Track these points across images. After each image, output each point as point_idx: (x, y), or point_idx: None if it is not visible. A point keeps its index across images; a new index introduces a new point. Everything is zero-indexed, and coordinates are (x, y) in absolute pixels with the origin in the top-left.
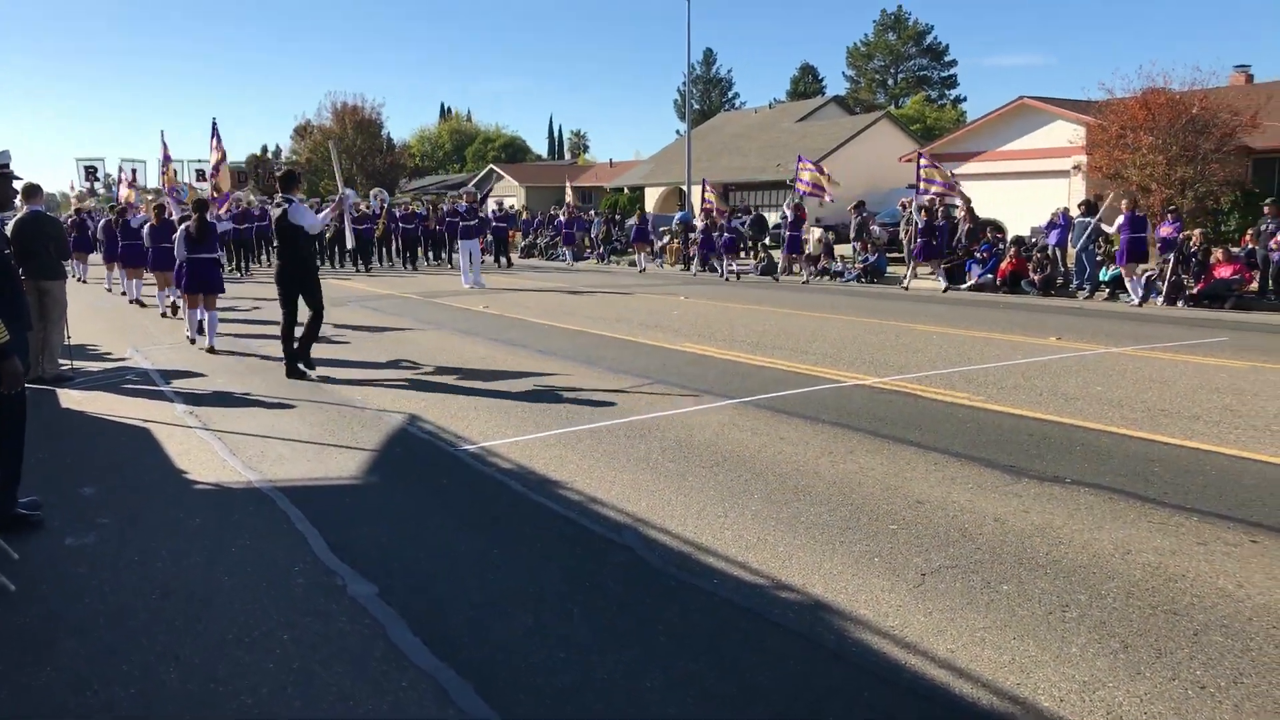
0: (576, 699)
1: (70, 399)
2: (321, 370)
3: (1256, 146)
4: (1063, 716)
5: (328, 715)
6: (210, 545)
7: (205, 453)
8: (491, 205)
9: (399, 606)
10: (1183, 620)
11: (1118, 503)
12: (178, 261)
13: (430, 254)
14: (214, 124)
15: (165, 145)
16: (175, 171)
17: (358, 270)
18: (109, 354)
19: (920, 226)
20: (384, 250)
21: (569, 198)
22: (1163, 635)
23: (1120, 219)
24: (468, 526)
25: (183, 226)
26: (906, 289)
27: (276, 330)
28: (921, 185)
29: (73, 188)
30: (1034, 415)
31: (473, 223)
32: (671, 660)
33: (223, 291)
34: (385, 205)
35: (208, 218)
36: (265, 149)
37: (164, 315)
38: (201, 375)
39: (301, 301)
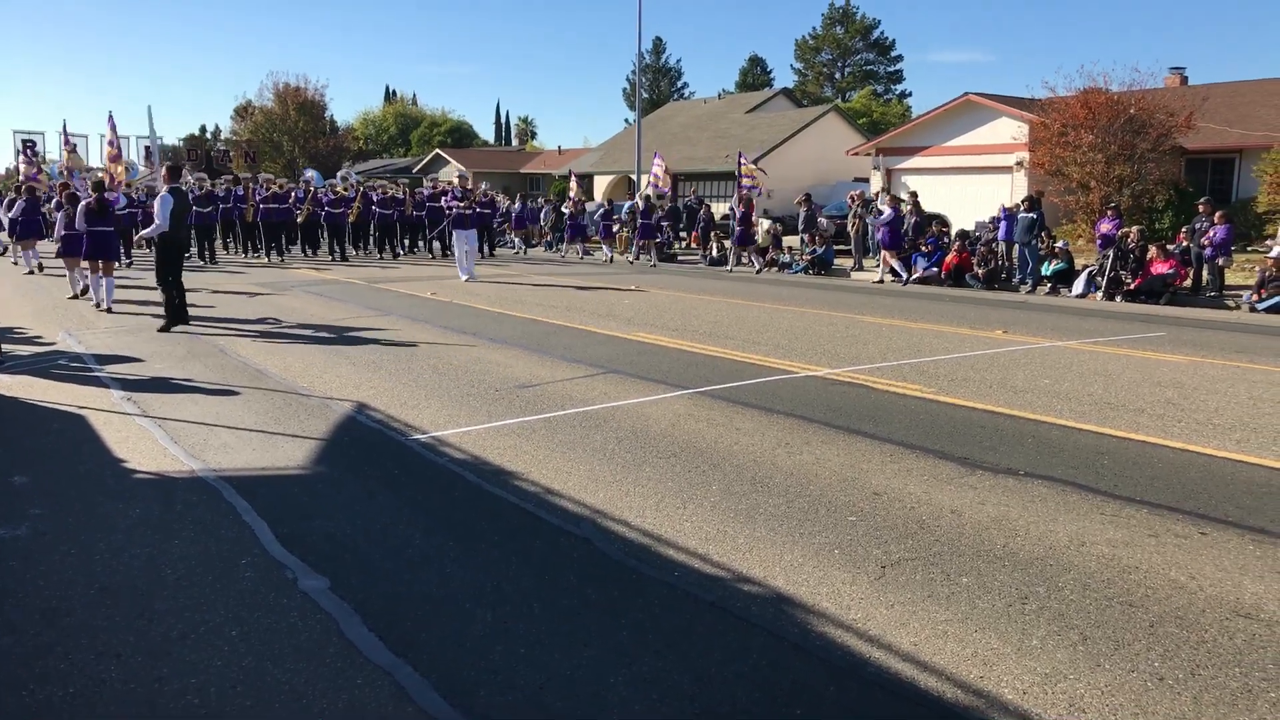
0: (539, 697)
1: None
2: (259, 357)
3: (1190, 147)
4: (1026, 709)
5: (280, 715)
6: (152, 538)
7: (145, 441)
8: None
9: (353, 601)
10: (1138, 612)
11: (1070, 495)
12: (79, 233)
13: (406, 241)
14: (110, 117)
15: (113, 127)
16: (119, 152)
17: (334, 259)
18: (39, 337)
19: (740, 215)
20: (360, 237)
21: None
22: (1120, 627)
23: (887, 212)
24: (422, 518)
25: (84, 203)
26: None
27: (212, 314)
28: (744, 181)
29: (16, 167)
30: (985, 407)
31: (469, 211)
32: (635, 656)
33: (117, 260)
34: (360, 188)
35: (106, 198)
36: (204, 129)
37: (73, 298)
38: (139, 360)
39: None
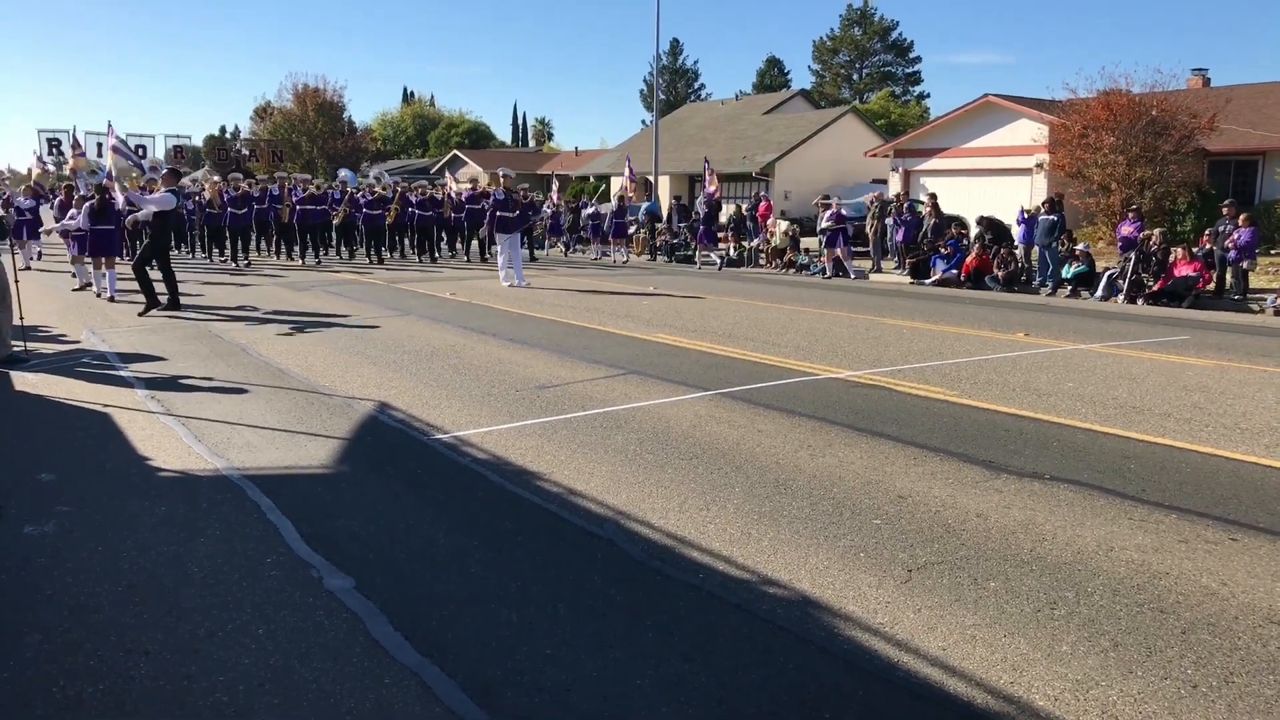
0: (566, 698)
1: (24, 382)
2: (281, 356)
3: (1212, 149)
4: (1058, 716)
5: (308, 713)
6: (178, 535)
7: (169, 439)
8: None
9: (378, 601)
10: (1170, 618)
11: (1097, 499)
12: (82, 231)
13: (444, 244)
14: (110, 127)
15: (113, 133)
16: (118, 153)
17: (371, 261)
18: (63, 336)
19: (704, 215)
20: (397, 240)
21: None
22: (1151, 633)
23: (829, 213)
24: (445, 518)
25: (87, 204)
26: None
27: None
28: (709, 186)
29: (39, 160)
30: (1009, 410)
31: (513, 214)
32: (661, 658)
33: (120, 256)
34: (398, 189)
35: (107, 199)
36: (224, 129)
37: (78, 290)
38: (162, 359)
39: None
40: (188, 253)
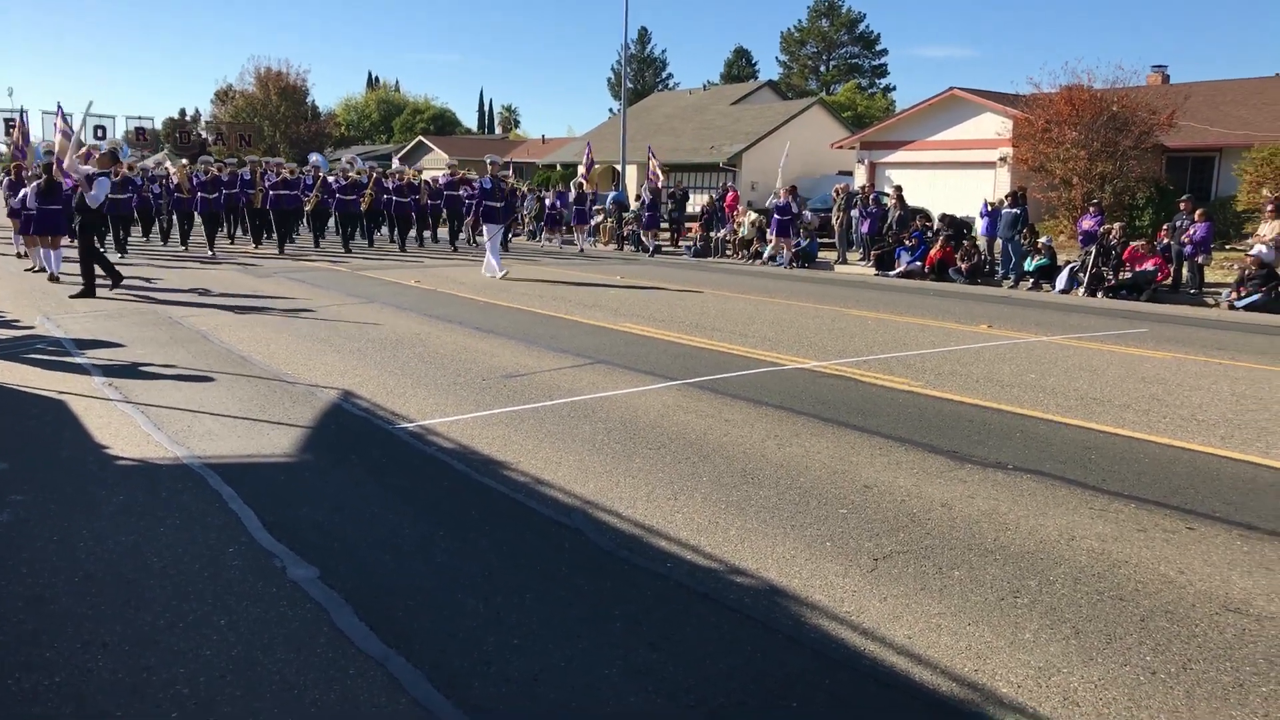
0: (533, 688)
1: None
2: (242, 343)
3: (1171, 145)
4: (1021, 702)
5: (272, 706)
6: (137, 525)
7: (127, 427)
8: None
9: (343, 591)
10: (1129, 606)
11: (1059, 489)
12: (27, 210)
13: (423, 233)
14: (59, 107)
15: (62, 115)
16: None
17: (348, 251)
18: (16, 321)
19: (648, 202)
20: (370, 227)
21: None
22: (1111, 621)
23: (778, 200)
24: (411, 508)
25: (34, 184)
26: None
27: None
28: (653, 173)
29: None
30: (972, 401)
31: (500, 203)
32: (629, 647)
33: (64, 235)
34: (374, 174)
35: (55, 179)
36: (184, 112)
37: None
38: (119, 345)
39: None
40: (158, 239)
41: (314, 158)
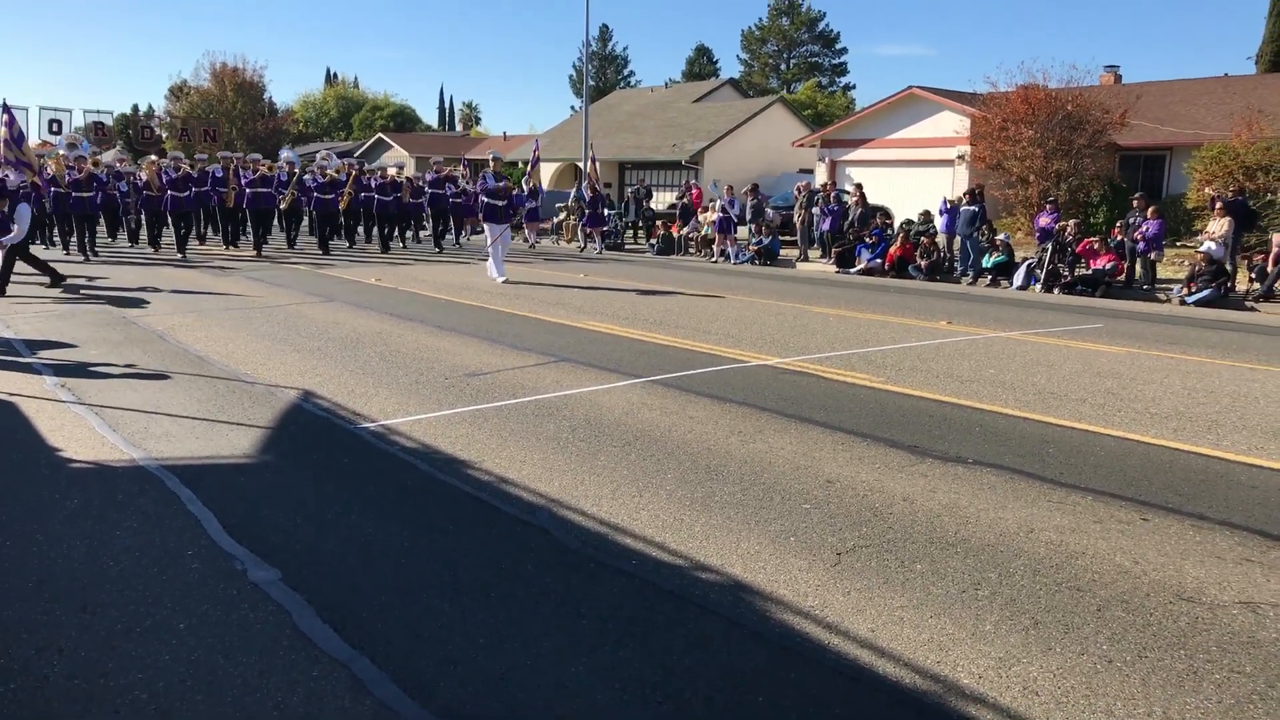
0: (500, 688)
1: None
2: (200, 343)
3: (1124, 143)
4: (982, 693)
5: (233, 710)
6: (92, 529)
7: (81, 429)
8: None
9: (305, 592)
10: (1086, 596)
11: (1018, 482)
12: None
13: (404, 232)
14: (4, 104)
15: (10, 115)
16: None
17: (326, 252)
18: None
19: (589, 200)
20: (349, 227)
21: (593, 171)
22: (1069, 611)
23: (721, 200)
24: (374, 508)
25: None
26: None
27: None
28: (592, 173)
29: None
30: (932, 396)
31: (501, 202)
32: (596, 645)
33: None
34: (353, 172)
35: None
36: (137, 108)
37: None
38: (72, 346)
39: None
40: (125, 240)
41: (285, 153)
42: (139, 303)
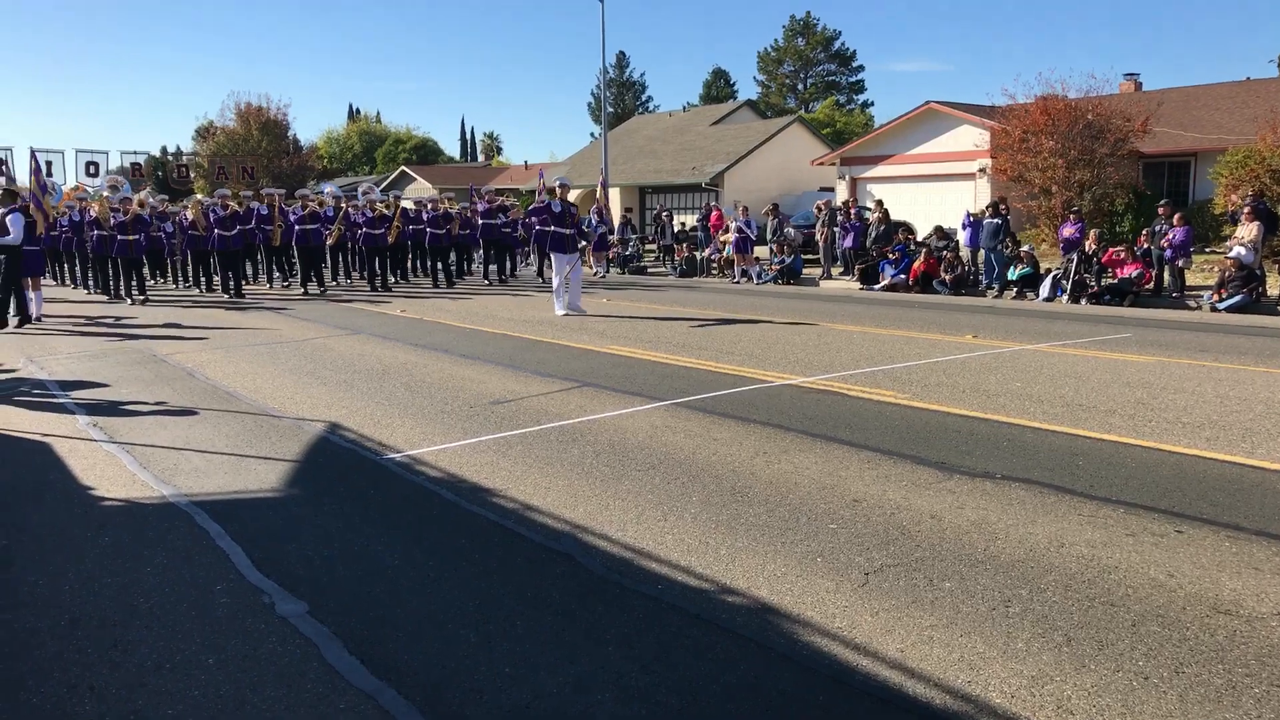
0: (526, 716)
1: None
2: (228, 379)
3: (1147, 151)
4: (1015, 712)
5: None
6: (124, 565)
7: (113, 467)
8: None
9: (332, 625)
10: (1120, 611)
11: (1047, 496)
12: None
13: (453, 265)
14: (32, 153)
15: (37, 161)
16: (47, 185)
17: (374, 289)
18: (0, 364)
19: (594, 225)
20: (398, 261)
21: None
22: (1103, 627)
23: (738, 221)
24: (399, 539)
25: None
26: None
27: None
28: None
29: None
30: (959, 412)
31: (569, 230)
32: (622, 671)
33: (43, 275)
34: (398, 205)
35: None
36: (165, 149)
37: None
38: (104, 385)
39: None
40: (172, 283)
41: (328, 187)
42: (169, 341)
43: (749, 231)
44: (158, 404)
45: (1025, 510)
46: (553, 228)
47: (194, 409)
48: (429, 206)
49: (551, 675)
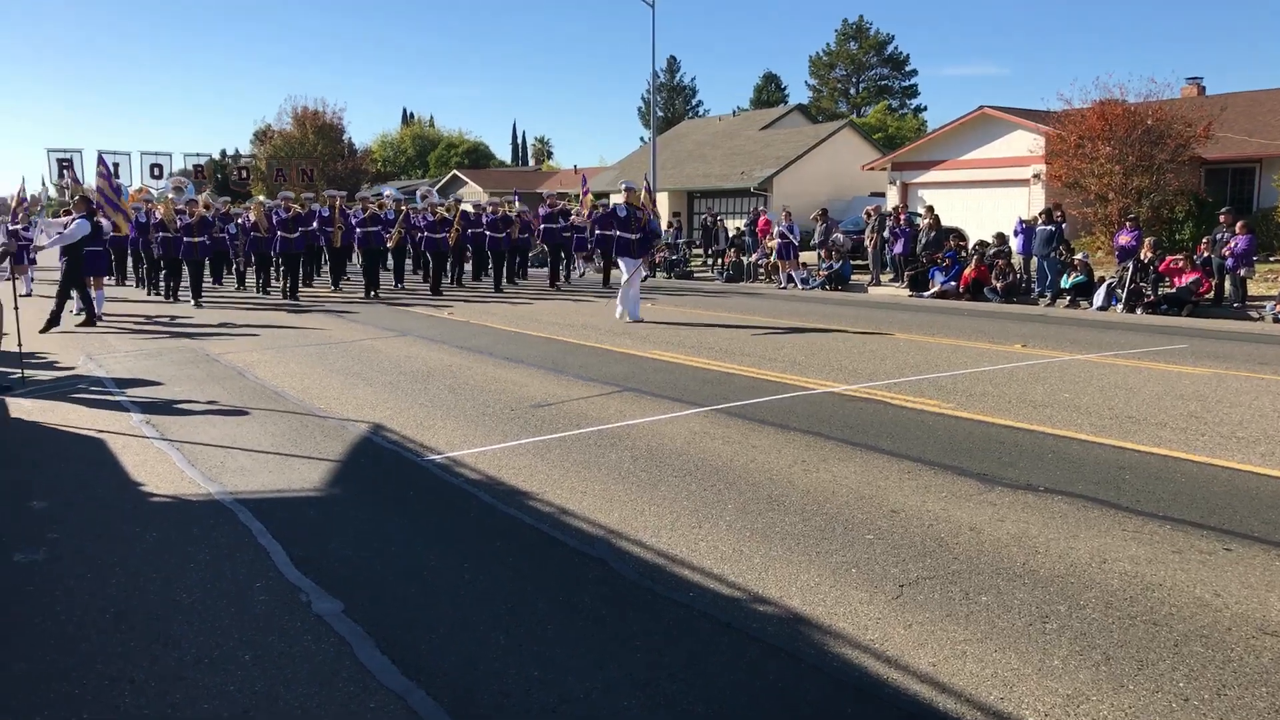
0: None
1: (20, 409)
2: (277, 379)
3: (1209, 156)
4: None
5: None
6: (168, 561)
7: (163, 464)
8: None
9: (366, 624)
10: (1162, 631)
11: (1091, 510)
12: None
13: (510, 269)
14: (100, 157)
15: (105, 165)
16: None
17: (437, 293)
18: (61, 362)
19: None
20: (456, 265)
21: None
22: (1144, 646)
23: (780, 226)
24: (436, 540)
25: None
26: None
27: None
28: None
29: (50, 183)
30: (1004, 422)
31: (634, 235)
32: (650, 678)
33: (108, 275)
34: (458, 207)
35: (98, 222)
36: (224, 153)
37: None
38: (158, 384)
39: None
40: (235, 284)
41: (388, 190)
42: (221, 339)
43: (791, 237)
44: (208, 402)
45: (1068, 524)
46: (617, 232)
47: (243, 408)
48: (489, 209)
49: (580, 680)
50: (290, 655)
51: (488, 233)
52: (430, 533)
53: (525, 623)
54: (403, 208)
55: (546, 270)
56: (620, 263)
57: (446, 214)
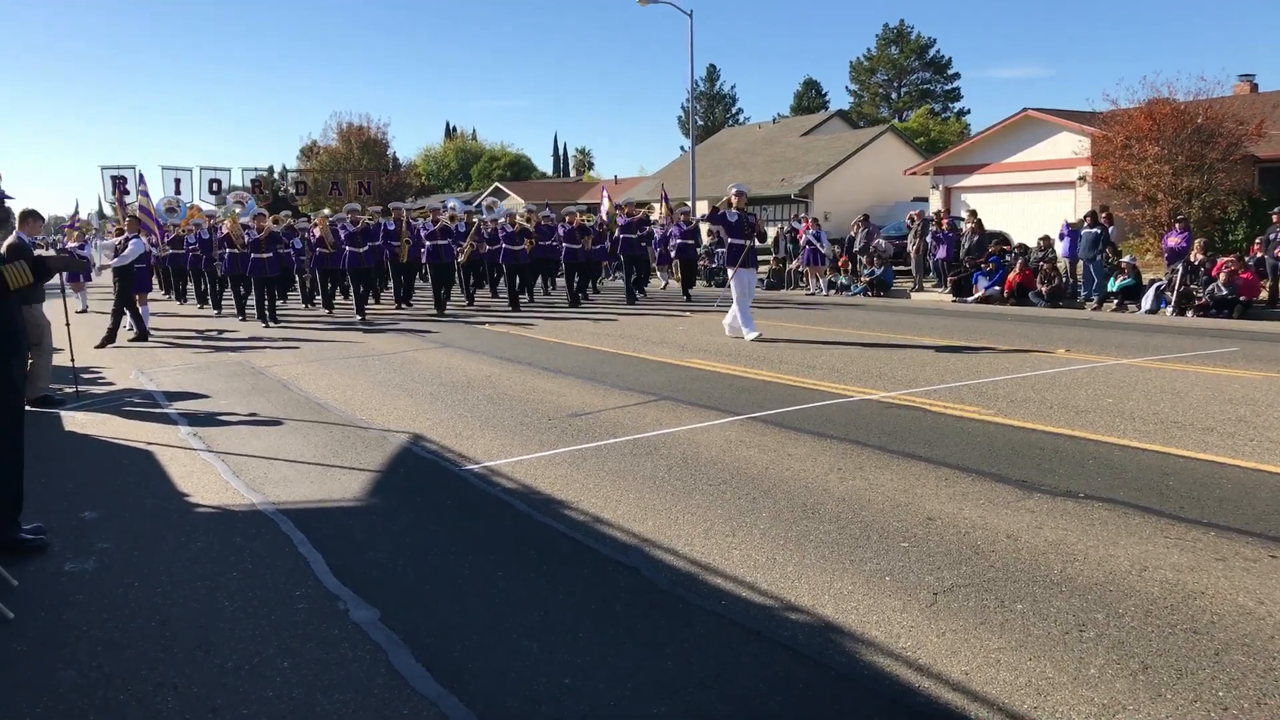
0: None
1: (73, 422)
2: (321, 391)
3: (1262, 155)
4: None
5: None
6: (212, 570)
7: (208, 475)
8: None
9: (401, 632)
10: (1203, 639)
11: (1133, 518)
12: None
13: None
14: (139, 176)
15: (142, 180)
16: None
17: (516, 308)
18: (113, 376)
19: (657, 239)
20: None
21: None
22: (1183, 655)
23: (806, 234)
24: (472, 549)
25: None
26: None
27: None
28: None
29: (105, 200)
30: (1045, 429)
31: (746, 243)
32: (680, 686)
33: (148, 290)
34: (533, 219)
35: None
36: (271, 169)
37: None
38: (206, 396)
39: None
40: (301, 302)
41: (452, 202)
42: (267, 353)
43: (818, 244)
44: (252, 414)
45: (1107, 531)
46: (729, 240)
47: (286, 419)
48: (566, 221)
49: (610, 688)
50: (328, 662)
51: (564, 244)
52: (465, 541)
53: (557, 630)
54: (473, 220)
55: (621, 283)
56: (735, 275)
57: (526, 224)
